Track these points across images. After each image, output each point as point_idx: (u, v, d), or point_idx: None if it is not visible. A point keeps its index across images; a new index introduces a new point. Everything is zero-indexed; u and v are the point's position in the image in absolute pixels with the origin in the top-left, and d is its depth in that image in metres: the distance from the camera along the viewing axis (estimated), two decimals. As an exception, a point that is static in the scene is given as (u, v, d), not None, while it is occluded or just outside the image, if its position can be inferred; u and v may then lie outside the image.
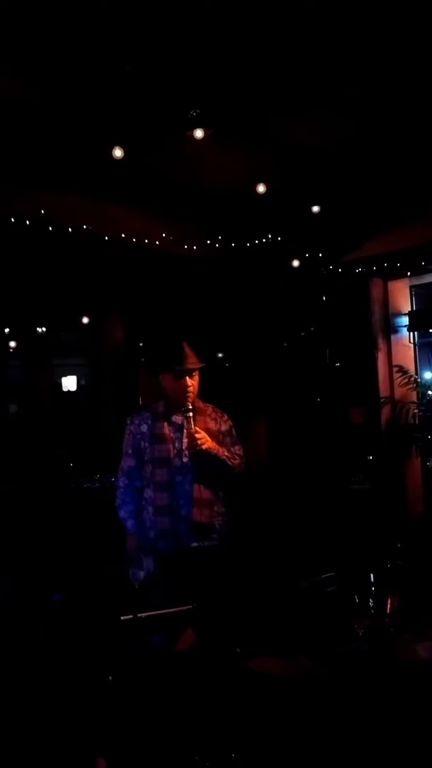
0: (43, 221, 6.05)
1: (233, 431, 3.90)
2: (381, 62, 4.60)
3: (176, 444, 3.70)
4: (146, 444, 3.73)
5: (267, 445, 8.23)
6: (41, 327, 9.97)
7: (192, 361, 3.69)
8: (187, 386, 3.68)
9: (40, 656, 3.92)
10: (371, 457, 7.60)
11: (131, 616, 2.80)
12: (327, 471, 7.45)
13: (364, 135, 5.57)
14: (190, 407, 3.65)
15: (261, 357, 8.35)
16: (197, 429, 3.62)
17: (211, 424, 3.78)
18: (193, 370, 3.71)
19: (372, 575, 2.78)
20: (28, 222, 5.94)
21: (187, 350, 3.69)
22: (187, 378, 3.67)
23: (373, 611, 2.72)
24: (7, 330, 10.46)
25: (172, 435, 3.71)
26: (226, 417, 3.90)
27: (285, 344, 8.65)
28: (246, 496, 6.56)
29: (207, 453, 3.62)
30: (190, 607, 2.88)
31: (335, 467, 7.53)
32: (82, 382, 12.14)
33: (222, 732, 2.44)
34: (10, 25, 4.04)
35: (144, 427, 3.77)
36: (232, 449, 3.82)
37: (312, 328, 8.56)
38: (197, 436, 3.60)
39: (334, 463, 7.59)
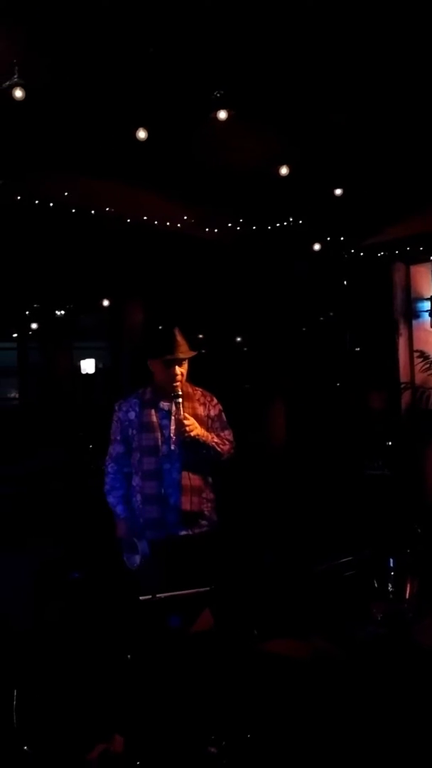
0: (66, 204, 6.05)
1: (223, 415, 3.82)
2: (405, 40, 4.53)
3: (164, 432, 3.64)
4: (134, 431, 3.67)
5: (286, 429, 8.22)
6: (62, 309, 10.01)
7: (183, 350, 3.63)
8: (176, 374, 3.62)
9: (59, 635, 3.95)
10: (390, 443, 7.56)
11: (150, 597, 2.81)
12: (345, 456, 7.43)
13: (386, 117, 5.51)
14: (180, 393, 3.60)
15: (281, 341, 8.32)
16: (186, 416, 3.54)
17: (200, 410, 3.71)
18: (184, 359, 3.66)
19: (391, 560, 2.77)
20: (51, 204, 5.94)
21: (179, 339, 3.63)
22: (176, 366, 3.62)
23: (391, 596, 2.72)
24: (28, 312, 10.52)
25: (160, 422, 3.66)
26: (215, 401, 3.81)
27: (303, 329, 8.62)
28: (265, 480, 6.57)
29: (196, 440, 3.59)
30: (208, 588, 2.89)
31: (354, 453, 7.50)
32: (100, 366, 12.16)
33: (237, 712, 2.46)
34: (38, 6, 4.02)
35: (132, 414, 3.70)
36: (221, 434, 3.73)
37: (331, 313, 8.52)
38: (186, 422, 3.52)
39: (353, 448, 7.56)
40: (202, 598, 2.88)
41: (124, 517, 3.72)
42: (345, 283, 8.10)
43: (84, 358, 11.58)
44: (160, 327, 3.77)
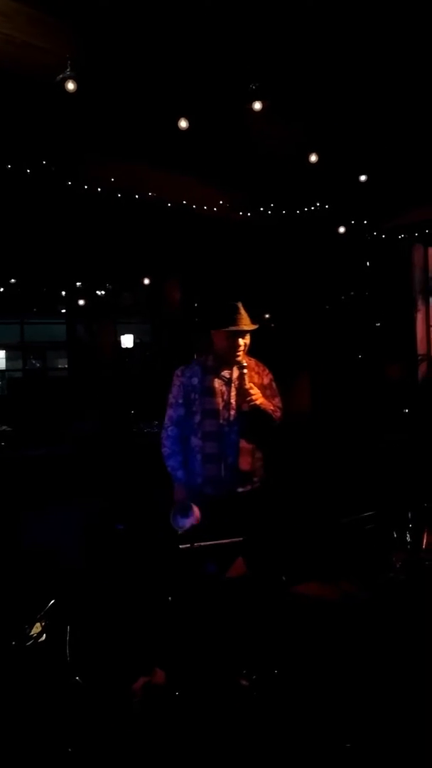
0: (114, 189, 6.03)
1: (273, 384, 3.80)
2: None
3: (225, 397, 3.65)
4: (196, 396, 3.65)
5: (311, 399, 8.20)
6: (105, 288, 10.01)
7: (246, 322, 3.63)
8: (239, 345, 3.62)
9: (108, 579, 4.02)
10: (407, 410, 7.53)
11: (188, 545, 2.84)
12: (367, 422, 7.40)
13: (409, 104, 5.40)
14: (245, 364, 3.59)
15: (307, 318, 8.27)
16: (251, 385, 3.55)
17: (255, 378, 3.71)
18: (248, 331, 3.65)
19: (409, 513, 2.77)
20: (99, 189, 5.93)
21: (243, 312, 3.63)
22: (239, 338, 3.61)
23: (409, 546, 2.72)
24: (74, 291, 10.54)
25: (221, 388, 3.67)
26: (267, 370, 3.80)
27: (327, 306, 8.54)
28: (292, 445, 6.57)
29: (257, 407, 3.58)
30: (241, 538, 2.91)
31: (374, 419, 7.47)
32: (137, 341, 12.18)
33: (267, 650, 2.49)
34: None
35: (195, 380, 3.68)
36: (273, 401, 3.74)
37: (352, 293, 8.44)
38: (251, 392, 3.53)
39: (373, 415, 7.54)
40: (236, 547, 2.90)
41: (184, 482, 3.72)
42: (367, 263, 8.02)
43: (122, 334, 11.63)
44: (224, 300, 3.74)
